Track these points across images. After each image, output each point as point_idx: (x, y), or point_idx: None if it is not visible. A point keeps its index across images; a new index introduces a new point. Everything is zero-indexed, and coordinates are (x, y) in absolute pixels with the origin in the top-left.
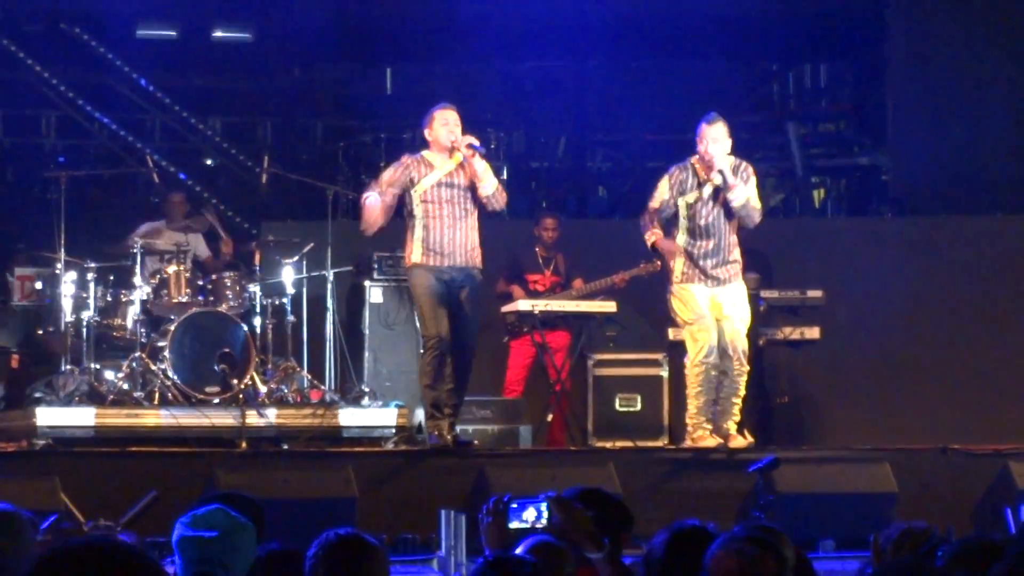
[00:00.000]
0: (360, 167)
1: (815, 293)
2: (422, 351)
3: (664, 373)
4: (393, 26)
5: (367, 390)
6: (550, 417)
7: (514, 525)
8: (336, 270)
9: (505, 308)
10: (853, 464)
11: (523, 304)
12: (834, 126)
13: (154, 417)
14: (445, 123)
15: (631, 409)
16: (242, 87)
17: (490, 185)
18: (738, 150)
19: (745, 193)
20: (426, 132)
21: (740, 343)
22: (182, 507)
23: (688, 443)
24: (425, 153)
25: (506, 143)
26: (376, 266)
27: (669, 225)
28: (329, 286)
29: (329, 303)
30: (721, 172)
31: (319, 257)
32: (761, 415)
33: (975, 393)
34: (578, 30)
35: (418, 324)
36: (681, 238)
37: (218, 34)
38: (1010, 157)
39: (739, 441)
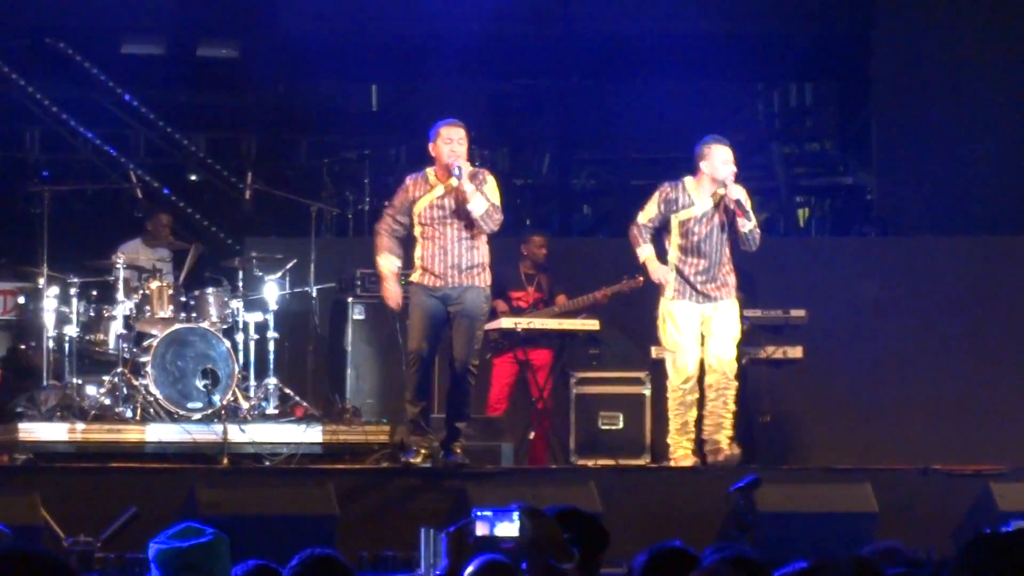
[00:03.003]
0: (344, 184)
1: (798, 312)
2: (405, 365)
3: (646, 391)
4: (379, 43)
5: (349, 407)
6: (532, 435)
7: (483, 532)
8: (319, 287)
9: (488, 325)
10: (834, 484)
11: (506, 322)
12: (819, 146)
13: (136, 433)
14: (448, 141)
15: (613, 427)
16: (226, 103)
17: (478, 206)
18: None
19: (753, 219)
20: (431, 147)
21: (726, 357)
22: (162, 524)
23: (671, 463)
24: (429, 171)
25: (490, 160)
26: (359, 283)
27: (661, 237)
28: (312, 303)
29: (312, 320)
30: (738, 202)
31: (302, 273)
32: (743, 434)
33: (957, 414)
34: (563, 48)
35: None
36: (672, 254)
37: (203, 51)
38: (994, 178)
39: (729, 452)
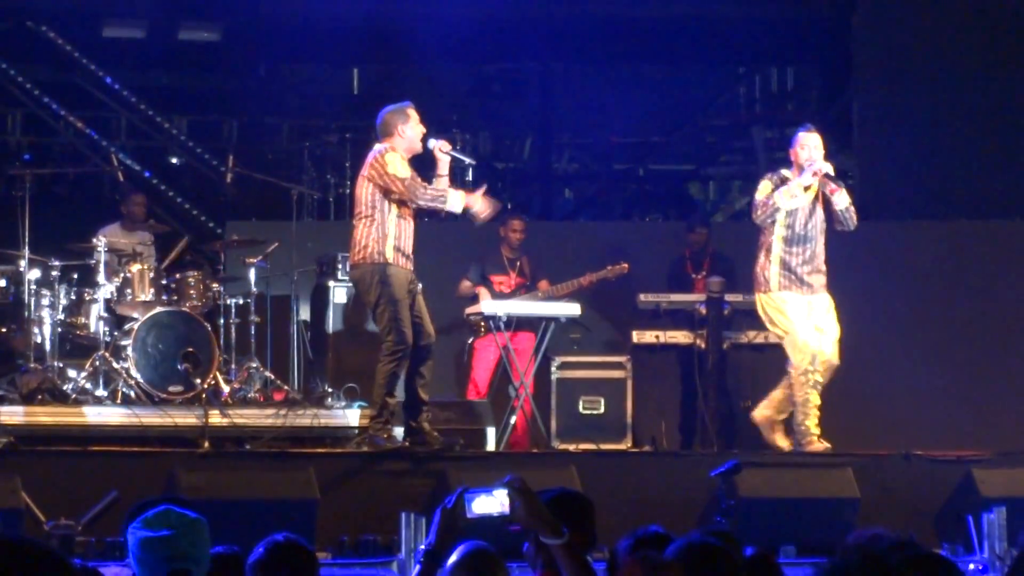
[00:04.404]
0: (326, 167)
1: None
2: (387, 356)
3: (627, 376)
4: (360, 26)
5: (330, 390)
6: (513, 419)
7: (474, 511)
8: (300, 270)
9: (469, 310)
10: (816, 469)
11: (487, 306)
12: None
13: (116, 416)
14: (419, 123)
15: (594, 412)
16: (208, 86)
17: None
18: (704, 153)
19: (847, 196)
20: (401, 128)
21: (833, 358)
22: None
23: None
24: (402, 150)
25: (472, 144)
26: (340, 266)
27: (765, 232)
28: (293, 286)
29: (293, 303)
30: (828, 174)
31: (283, 257)
32: (724, 419)
33: (939, 399)
34: (545, 32)
35: (384, 327)
36: (777, 247)
37: (184, 34)
38: (976, 162)
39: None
